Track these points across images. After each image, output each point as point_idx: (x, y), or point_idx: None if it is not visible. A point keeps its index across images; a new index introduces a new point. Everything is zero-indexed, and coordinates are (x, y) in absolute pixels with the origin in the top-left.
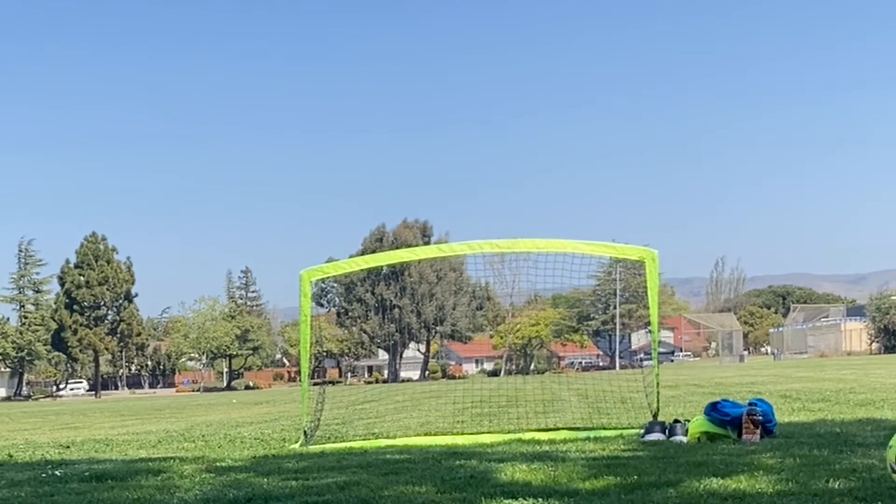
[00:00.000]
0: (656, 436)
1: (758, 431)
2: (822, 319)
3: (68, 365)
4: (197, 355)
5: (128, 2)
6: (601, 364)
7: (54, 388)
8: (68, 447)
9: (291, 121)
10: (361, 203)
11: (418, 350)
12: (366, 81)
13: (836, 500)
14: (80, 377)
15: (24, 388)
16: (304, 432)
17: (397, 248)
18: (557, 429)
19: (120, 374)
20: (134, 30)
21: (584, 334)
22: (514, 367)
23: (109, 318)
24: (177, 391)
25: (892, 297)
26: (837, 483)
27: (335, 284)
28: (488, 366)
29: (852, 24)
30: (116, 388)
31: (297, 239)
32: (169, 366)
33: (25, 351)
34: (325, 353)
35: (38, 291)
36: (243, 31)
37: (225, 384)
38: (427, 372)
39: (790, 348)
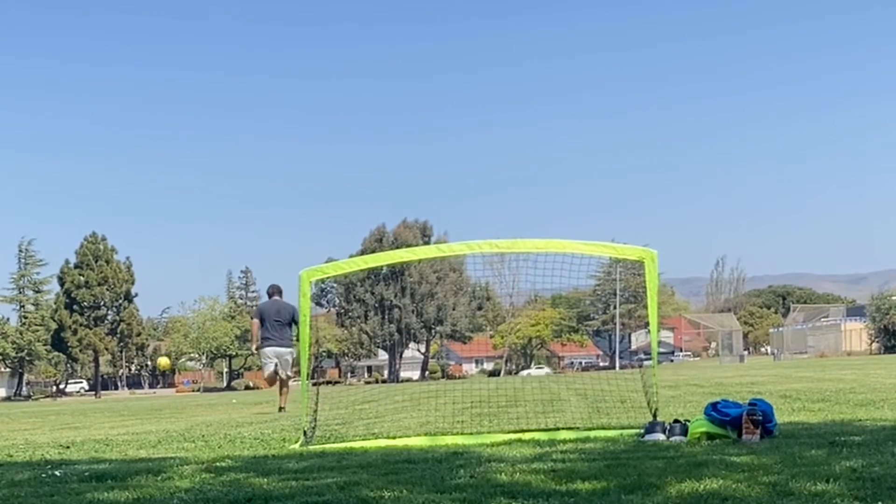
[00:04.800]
0: (656, 436)
1: (758, 431)
2: (822, 319)
3: (68, 365)
4: (197, 355)
5: (133, 9)
6: (601, 364)
7: (54, 388)
8: (68, 447)
9: (292, 121)
10: (361, 203)
11: (418, 350)
12: (367, 83)
13: (836, 500)
14: (80, 377)
15: (24, 388)
16: (304, 432)
17: (397, 248)
18: (557, 429)
19: (120, 374)
20: (138, 34)
21: (584, 334)
22: (514, 367)
23: (109, 318)
24: (177, 391)
25: (892, 297)
26: (837, 483)
27: (335, 284)
28: (488, 366)
29: (851, 28)
30: (116, 389)
31: (297, 239)
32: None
33: (25, 351)
34: (324, 354)
35: (38, 291)
36: (249, 35)
37: (225, 384)
38: (427, 372)
39: (790, 348)
